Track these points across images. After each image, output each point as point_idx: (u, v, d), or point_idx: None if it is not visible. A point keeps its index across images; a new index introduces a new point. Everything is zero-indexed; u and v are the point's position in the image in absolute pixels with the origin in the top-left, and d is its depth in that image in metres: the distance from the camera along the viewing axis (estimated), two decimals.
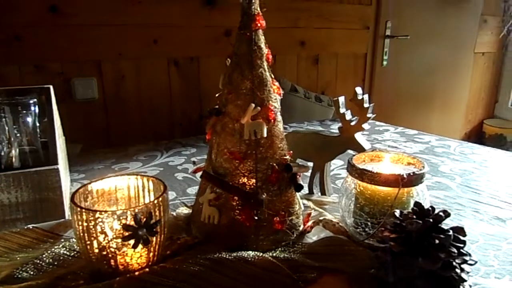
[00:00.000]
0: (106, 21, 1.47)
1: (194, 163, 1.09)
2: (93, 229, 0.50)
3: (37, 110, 0.79)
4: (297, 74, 2.00)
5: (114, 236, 0.50)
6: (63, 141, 0.91)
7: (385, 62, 2.38)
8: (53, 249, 0.59)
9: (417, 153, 1.21)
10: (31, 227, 0.66)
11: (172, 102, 1.67)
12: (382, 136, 1.42)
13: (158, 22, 1.57)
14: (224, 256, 0.56)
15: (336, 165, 1.04)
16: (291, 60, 1.98)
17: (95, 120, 1.52)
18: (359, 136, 0.75)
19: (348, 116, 0.75)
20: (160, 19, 1.57)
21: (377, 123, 1.64)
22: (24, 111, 0.77)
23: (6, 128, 0.75)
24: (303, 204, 0.73)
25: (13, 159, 0.75)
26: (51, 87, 0.84)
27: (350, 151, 0.75)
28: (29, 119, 0.77)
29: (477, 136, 3.08)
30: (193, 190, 0.89)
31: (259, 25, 0.60)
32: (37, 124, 0.80)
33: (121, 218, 0.50)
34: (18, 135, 0.76)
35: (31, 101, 0.78)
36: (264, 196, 0.60)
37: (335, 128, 1.54)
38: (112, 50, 1.50)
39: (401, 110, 2.53)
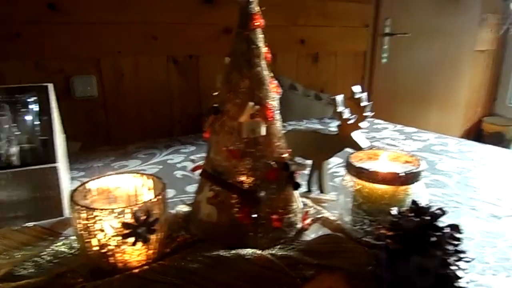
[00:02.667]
0: (105, 18, 1.46)
1: (192, 161, 1.09)
2: (92, 227, 0.50)
3: (36, 108, 0.80)
4: (297, 72, 2.00)
5: (114, 234, 0.51)
6: (63, 139, 0.91)
7: (384, 60, 2.38)
8: (52, 247, 0.60)
9: (416, 151, 1.21)
10: (30, 225, 0.66)
11: (171, 100, 1.67)
12: (381, 134, 1.42)
13: (157, 20, 1.56)
14: (223, 253, 0.56)
15: (335, 163, 1.04)
16: (291, 58, 1.98)
17: (95, 118, 1.52)
18: (357, 135, 0.75)
19: (346, 114, 0.75)
20: (159, 16, 1.57)
21: (376, 121, 1.65)
22: (24, 109, 0.77)
23: (6, 126, 0.75)
24: (302, 202, 0.73)
25: (13, 157, 0.75)
26: (50, 85, 0.85)
27: (348, 149, 0.76)
28: (29, 117, 0.78)
29: (476, 134, 3.08)
30: (192, 188, 0.89)
31: (257, 23, 0.60)
32: (37, 122, 0.80)
33: (120, 216, 0.50)
34: (18, 133, 0.76)
35: (31, 99, 0.78)
36: (262, 194, 0.61)
37: (334, 126, 1.54)
38: (111, 48, 1.50)
39: (401, 107, 2.54)
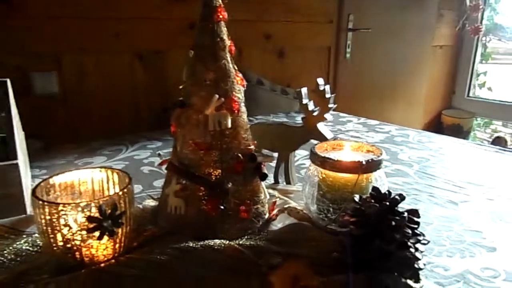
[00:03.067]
0: (66, 13, 1.42)
1: (159, 155, 1.08)
2: (56, 222, 0.49)
3: None
4: (263, 67, 2.01)
5: (79, 228, 0.50)
6: (23, 136, 0.88)
7: (348, 55, 2.43)
8: (15, 245, 0.58)
9: (378, 142, 1.25)
10: None
11: (137, 95, 1.64)
12: (345, 127, 1.46)
13: (121, 15, 1.53)
14: (191, 245, 0.57)
15: (301, 155, 1.06)
16: (257, 53, 1.99)
17: (57, 115, 1.47)
18: (321, 126, 0.77)
19: (311, 106, 0.77)
20: (123, 12, 1.53)
21: (341, 114, 1.69)
22: None
23: None
24: (269, 193, 0.74)
25: None
26: (8, 80, 0.82)
27: (313, 141, 0.77)
28: None
29: (436, 126, 3.20)
30: (159, 183, 0.89)
31: (221, 16, 0.61)
32: None
33: (85, 210, 0.50)
34: None
35: None
36: (229, 186, 0.62)
37: (300, 119, 1.56)
38: (74, 44, 1.45)
39: (367, 102, 2.60)
